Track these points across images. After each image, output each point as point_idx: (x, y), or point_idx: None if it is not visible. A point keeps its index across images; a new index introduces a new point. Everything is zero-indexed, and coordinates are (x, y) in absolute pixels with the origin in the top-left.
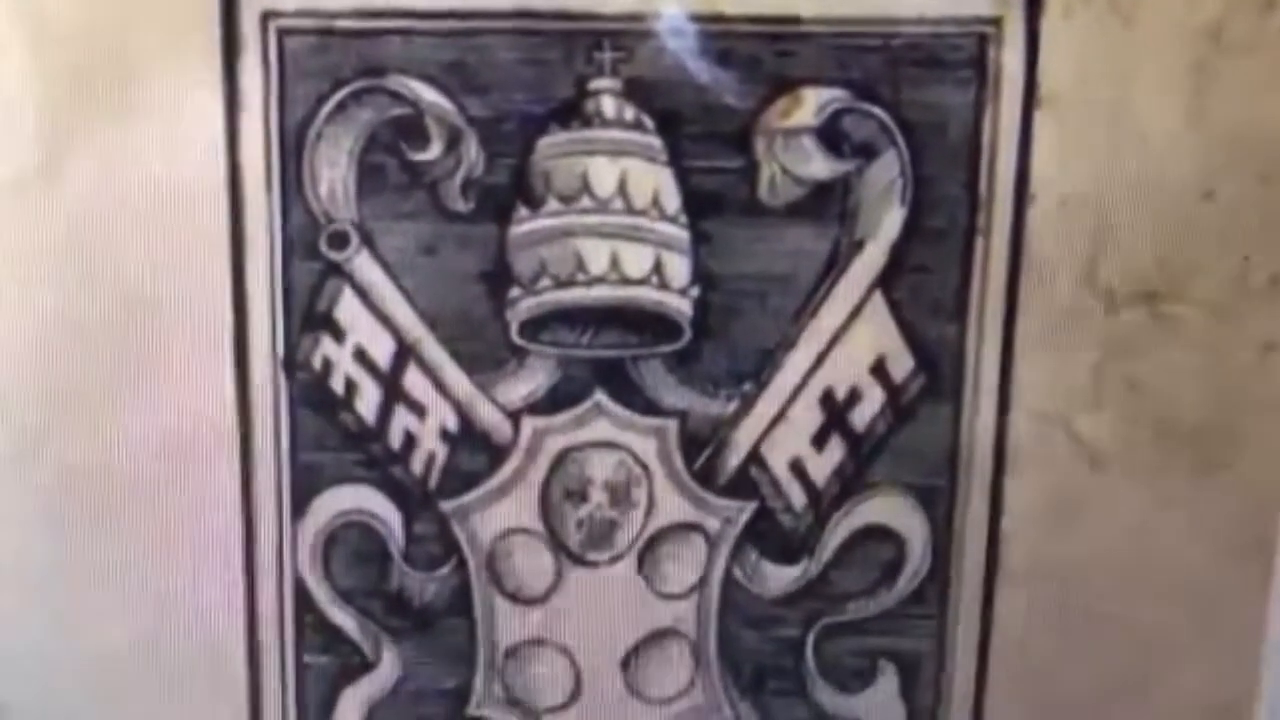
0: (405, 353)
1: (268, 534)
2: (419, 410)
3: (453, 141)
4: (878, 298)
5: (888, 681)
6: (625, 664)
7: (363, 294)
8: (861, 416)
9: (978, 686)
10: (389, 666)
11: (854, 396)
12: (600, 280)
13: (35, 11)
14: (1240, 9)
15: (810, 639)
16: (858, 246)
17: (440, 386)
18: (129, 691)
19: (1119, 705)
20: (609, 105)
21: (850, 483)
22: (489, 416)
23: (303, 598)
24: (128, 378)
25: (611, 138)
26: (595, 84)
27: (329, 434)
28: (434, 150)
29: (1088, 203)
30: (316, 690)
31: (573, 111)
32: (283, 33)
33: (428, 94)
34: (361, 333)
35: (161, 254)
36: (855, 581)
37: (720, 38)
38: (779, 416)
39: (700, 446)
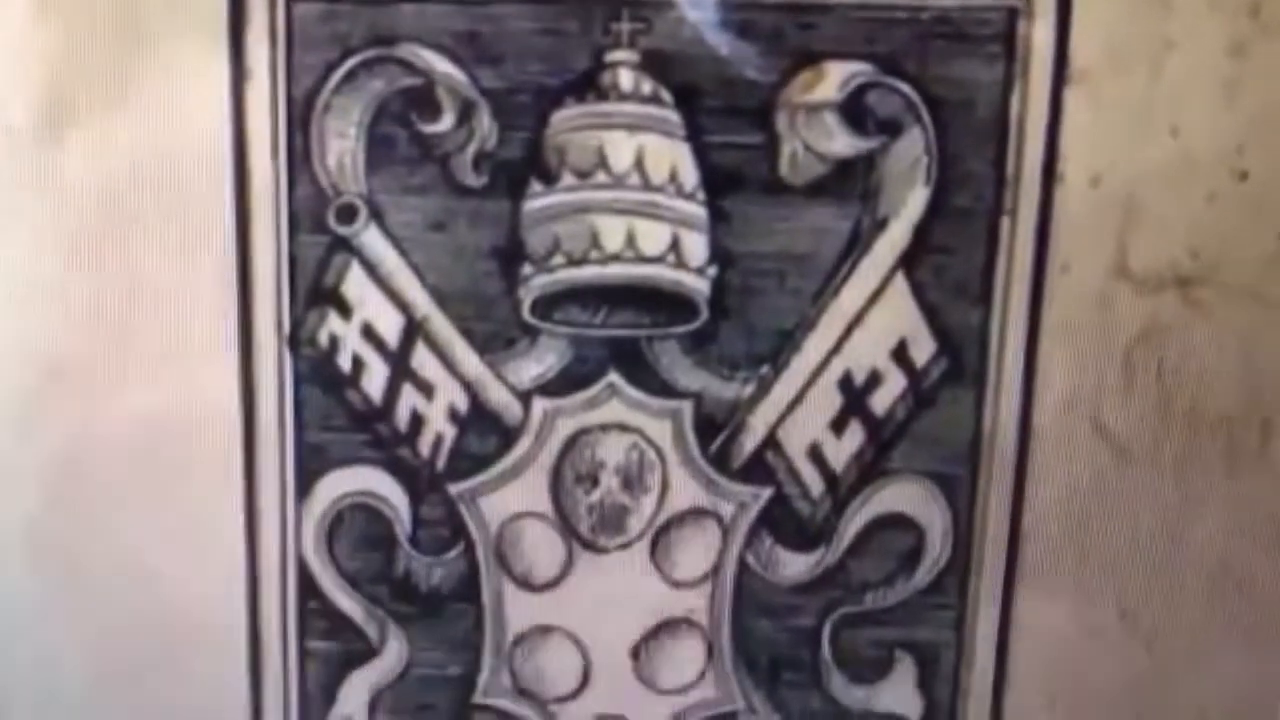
0: (414, 330)
1: (271, 516)
2: (427, 390)
3: (465, 113)
4: (900, 279)
5: (905, 673)
6: (636, 653)
7: (371, 269)
8: (881, 401)
9: (997, 679)
10: (394, 653)
11: (874, 380)
12: (615, 258)
13: None
14: None
15: (826, 629)
16: (880, 226)
17: (449, 366)
18: (127, 676)
19: (1143, 701)
20: (626, 78)
21: (869, 469)
22: (499, 397)
23: (306, 582)
24: (127, 353)
25: (628, 111)
26: (612, 56)
27: (335, 413)
28: (446, 122)
29: (1118, 183)
30: (319, 677)
31: (589, 84)
32: (290, 0)
33: (440, 64)
34: (369, 309)
35: (163, 226)
36: (873, 571)
37: (741, 9)
38: (797, 400)
39: (715, 430)
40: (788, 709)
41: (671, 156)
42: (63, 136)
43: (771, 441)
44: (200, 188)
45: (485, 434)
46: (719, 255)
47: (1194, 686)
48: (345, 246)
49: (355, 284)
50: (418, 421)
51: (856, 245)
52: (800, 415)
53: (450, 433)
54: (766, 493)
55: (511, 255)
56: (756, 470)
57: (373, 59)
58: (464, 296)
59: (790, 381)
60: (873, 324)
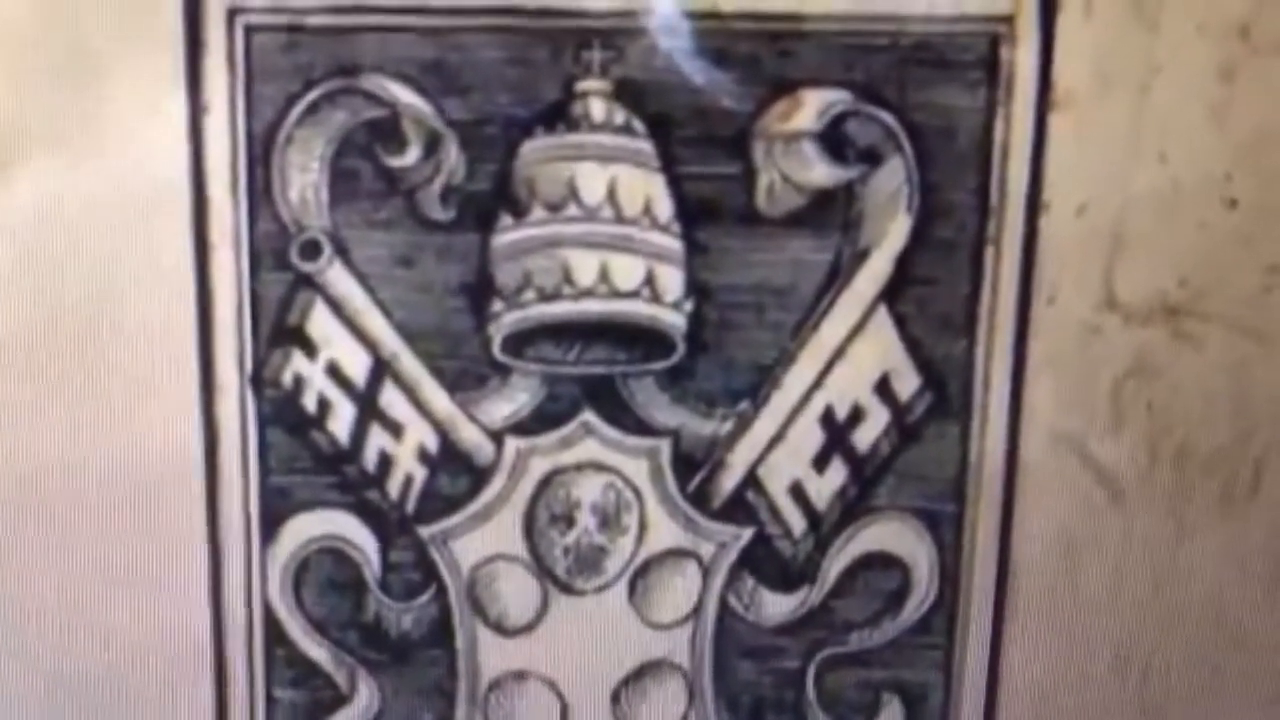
0: (381, 369)
1: (235, 561)
2: (396, 430)
3: (431, 146)
4: (882, 312)
5: (892, 715)
6: (615, 698)
7: (336, 307)
8: (865, 437)
9: None
10: (364, 701)
11: (857, 416)
12: (588, 293)
13: None
14: (1270, 7)
15: (811, 671)
16: (861, 257)
17: (419, 405)
18: None
19: None
20: (598, 108)
21: (852, 507)
22: (470, 437)
23: (273, 629)
24: (84, 394)
25: (600, 142)
26: (583, 85)
27: (300, 455)
28: (411, 155)
29: (1105, 212)
30: None
31: (559, 114)
32: (249, 30)
33: (405, 95)
34: (335, 348)
35: (121, 264)
36: (858, 611)
37: (716, 36)
38: (777, 437)
39: (694, 468)
40: None
41: (645, 188)
42: (11, 172)
43: (752, 480)
44: (158, 224)
45: (456, 475)
46: (695, 289)
47: None
48: (309, 284)
49: (320, 322)
50: (386, 463)
51: (837, 277)
52: (781, 452)
53: (420, 474)
54: (747, 532)
55: (481, 291)
56: (737, 509)
57: (336, 90)
58: (433, 334)
59: (770, 418)
60: (854, 358)
